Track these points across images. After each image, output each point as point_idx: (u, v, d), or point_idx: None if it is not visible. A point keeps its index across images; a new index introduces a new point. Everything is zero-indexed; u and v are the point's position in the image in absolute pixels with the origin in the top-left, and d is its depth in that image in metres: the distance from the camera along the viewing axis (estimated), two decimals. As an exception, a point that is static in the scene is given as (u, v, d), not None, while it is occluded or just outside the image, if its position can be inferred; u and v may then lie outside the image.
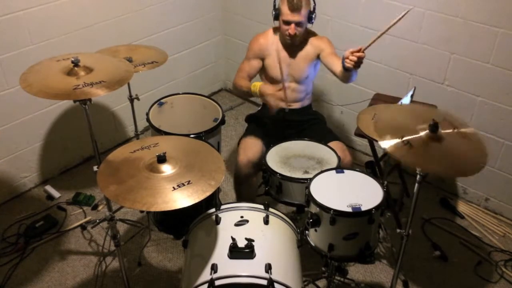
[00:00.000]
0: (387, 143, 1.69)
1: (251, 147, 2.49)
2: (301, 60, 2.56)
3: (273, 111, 2.38)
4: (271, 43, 2.56)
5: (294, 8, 2.35)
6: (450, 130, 1.76)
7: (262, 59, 2.58)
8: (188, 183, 1.65)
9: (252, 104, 3.96)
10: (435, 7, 2.68)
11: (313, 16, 2.46)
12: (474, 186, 2.96)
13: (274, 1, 2.50)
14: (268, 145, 2.46)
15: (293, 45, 2.53)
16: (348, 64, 2.17)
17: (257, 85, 2.38)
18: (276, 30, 2.58)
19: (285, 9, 2.37)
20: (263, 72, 2.65)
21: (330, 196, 1.91)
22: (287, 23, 2.40)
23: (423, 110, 2.00)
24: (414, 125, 1.76)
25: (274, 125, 2.62)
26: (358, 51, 2.16)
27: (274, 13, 2.46)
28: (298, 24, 2.40)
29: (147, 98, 3.18)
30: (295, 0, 2.34)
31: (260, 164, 2.43)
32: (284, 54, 2.54)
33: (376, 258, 2.60)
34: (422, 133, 1.72)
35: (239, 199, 2.62)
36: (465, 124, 1.82)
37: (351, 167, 2.50)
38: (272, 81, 2.60)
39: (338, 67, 2.37)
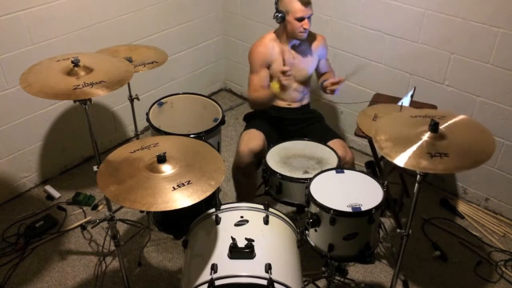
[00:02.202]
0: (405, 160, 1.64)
1: (253, 137, 2.48)
2: (303, 61, 2.57)
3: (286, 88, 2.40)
4: (272, 47, 2.54)
5: (307, 2, 2.38)
6: (446, 124, 1.78)
7: (268, 67, 2.56)
8: (188, 183, 1.65)
9: (252, 104, 3.97)
10: (435, 7, 2.68)
11: None
12: (474, 186, 2.96)
13: (276, 3, 2.47)
14: (270, 140, 2.46)
15: (295, 46, 2.54)
16: (330, 93, 2.50)
17: (275, 84, 2.37)
18: (276, 34, 2.57)
19: (297, 5, 2.37)
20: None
21: (330, 196, 1.91)
22: (301, 19, 2.40)
23: (411, 114, 1.98)
24: (414, 131, 1.76)
25: (273, 122, 2.62)
26: (338, 82, 2.46)
27: (279, 15, 2.43)
28: (309, 17, 2.43)
29: (147, 98, 3.18)
30: None
31: (261, 156, 2.42)
32: (287, 55, 2.54)
33: (376, 258, 2.59)
34: (424, 136, 1.72)
35: (238, 193, 2.62)
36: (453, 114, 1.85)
37: (353, 164, 2.51)
38: None
39: (323, 76, 2.71)
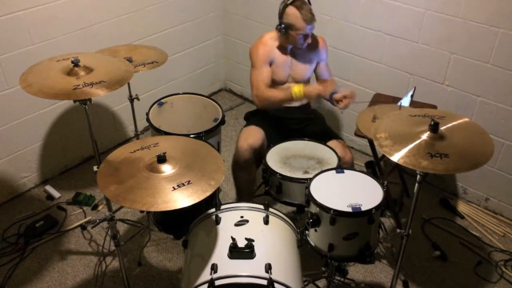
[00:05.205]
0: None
1: (252, 133, 2.49)
2: (302, 63, 2.57)
3: (320, 100, 2.52)
4: (272, 48, 2.55)
5: (310, 21, 2.38)
6: (447, 126, 1.78)
7: (270, 64, 2.56)
8: (188, 183, 1.65)
9: (252, 104, 3.96)
10: (435, 7, 2.68)
11: None
12: (474, 186, 2.96)
13: (281, 15, 2.43)
14: (269, 138, 2.46)
15: (293, 48, 2.54)
16: (342, 107, 2.39)
17: (300, 88, 2.40)
18: (276, 33, 2.56)
19: (301, 23, 2.37)
20: None
21: (330, 196, 1.91)
22: (305, 36, 2.43)
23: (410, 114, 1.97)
24: (414, 130, 1.76)
25: (274, 121, 2.63)
26: (350, 96, 2.38)
27: (283, 28, 2.42)
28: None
29: (147, 98, 3.18)
30: (310, 14, 2.37)
31: (261, 152, 2.42)
32: (285, 57, 2.55)
33: (376, 258, 2.59)
34: (424, 136, 1.73)
35: (237, 188, 2.62)
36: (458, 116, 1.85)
37: (352, 164, 2.51)
38: (276, 83, 2.59)
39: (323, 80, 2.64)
